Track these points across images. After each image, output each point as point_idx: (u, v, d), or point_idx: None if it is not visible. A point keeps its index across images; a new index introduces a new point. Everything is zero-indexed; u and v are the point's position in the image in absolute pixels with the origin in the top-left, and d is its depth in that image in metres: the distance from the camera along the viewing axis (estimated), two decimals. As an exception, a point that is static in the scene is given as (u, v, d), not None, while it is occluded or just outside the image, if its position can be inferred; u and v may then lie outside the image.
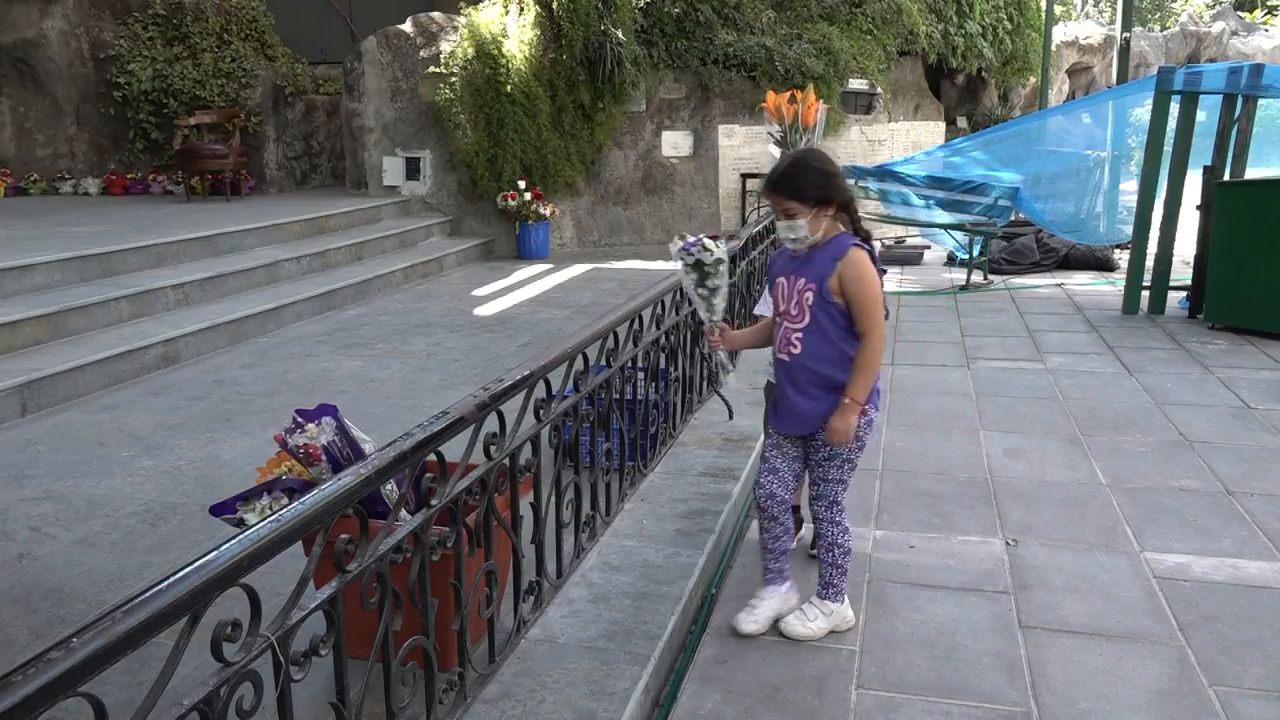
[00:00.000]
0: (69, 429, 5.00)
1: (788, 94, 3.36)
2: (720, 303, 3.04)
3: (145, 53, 11.71)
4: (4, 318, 5.76)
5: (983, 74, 15.42)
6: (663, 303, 3.99)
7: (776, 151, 3.42)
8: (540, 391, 2.82)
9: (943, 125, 14.67)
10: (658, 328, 3.95)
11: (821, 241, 2.77)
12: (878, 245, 11.37)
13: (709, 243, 2.96)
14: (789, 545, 3.03)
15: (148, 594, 1.41)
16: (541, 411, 2.82)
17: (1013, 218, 9.91)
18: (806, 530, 3.66)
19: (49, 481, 4.27)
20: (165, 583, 1.44)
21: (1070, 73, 21.02)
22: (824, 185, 2.71)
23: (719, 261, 2.98)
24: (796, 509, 3.66)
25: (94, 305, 6.34)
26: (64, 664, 1.24)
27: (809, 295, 2.76)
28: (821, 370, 2.79)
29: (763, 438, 3.61)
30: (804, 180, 2.71)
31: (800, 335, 2.79)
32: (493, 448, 2.51)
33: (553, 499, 2.96)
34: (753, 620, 2.98)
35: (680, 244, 2.96)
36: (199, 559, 1.52)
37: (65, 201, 10.95)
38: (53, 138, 11.83)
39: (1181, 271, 8.21)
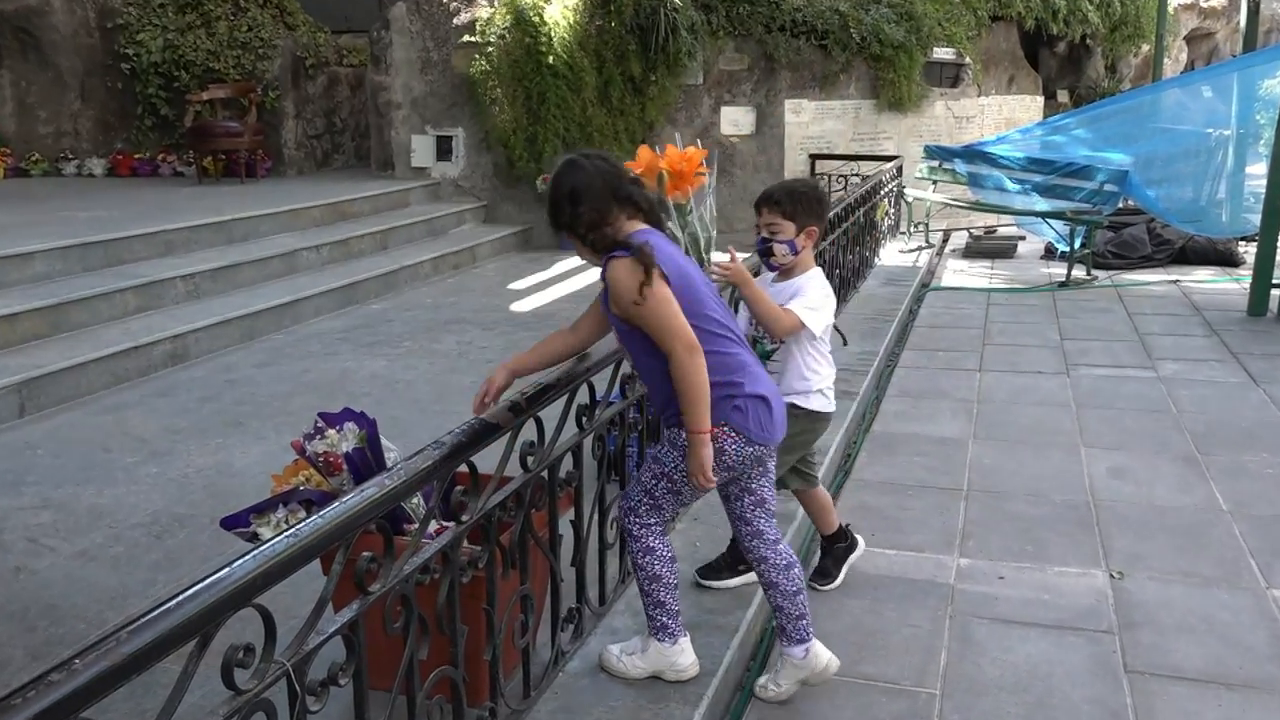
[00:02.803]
0: (70, 432, 5.13)
1: (663, 156, 3.15)
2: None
3: (155, 21, 11.98)
4: (1, 310, 5.92)
5: (1087, 41, 15.17)
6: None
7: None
8: (583, 396, 2.83)
9: (1041, 100, 14.45)
10: (715, 327, 3.95)
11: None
12: (964, 235, 11.30)
13: None
14: (778, 600, 2.83)
15: (154, 613, 1.44)
16: (584, 419, 2.83)
17: (1121, 205, 9.75)
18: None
19: (48, 489, 4.38)
20: (173, 601, 1.47)
21: (1189, 40, 20.60)
22: (556, 216, 2.59)
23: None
24: (841, 533, 3.62)
25: (97, 297, 6.50)
26: (65, 687, 1.27)
27: (614, 334, 2.65)
28: (670, 407, 2.62)
29: (830, 454, 3.60)
30: (556, 214, 2.60)
31: (639, 376, 2.69)
32: (530, 458, 2.52)
33: (595, 517, 2.97)
34: (774, 689, 2.90)
35: None
36: (209, 576, 1.55)
37: (68, 183, 11.24)
38: (56, 114, 12.15)
39: (1318, 267, 8.01)
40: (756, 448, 2.67)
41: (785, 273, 3.27)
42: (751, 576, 3.35)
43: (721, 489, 2.78)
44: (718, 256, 3.19)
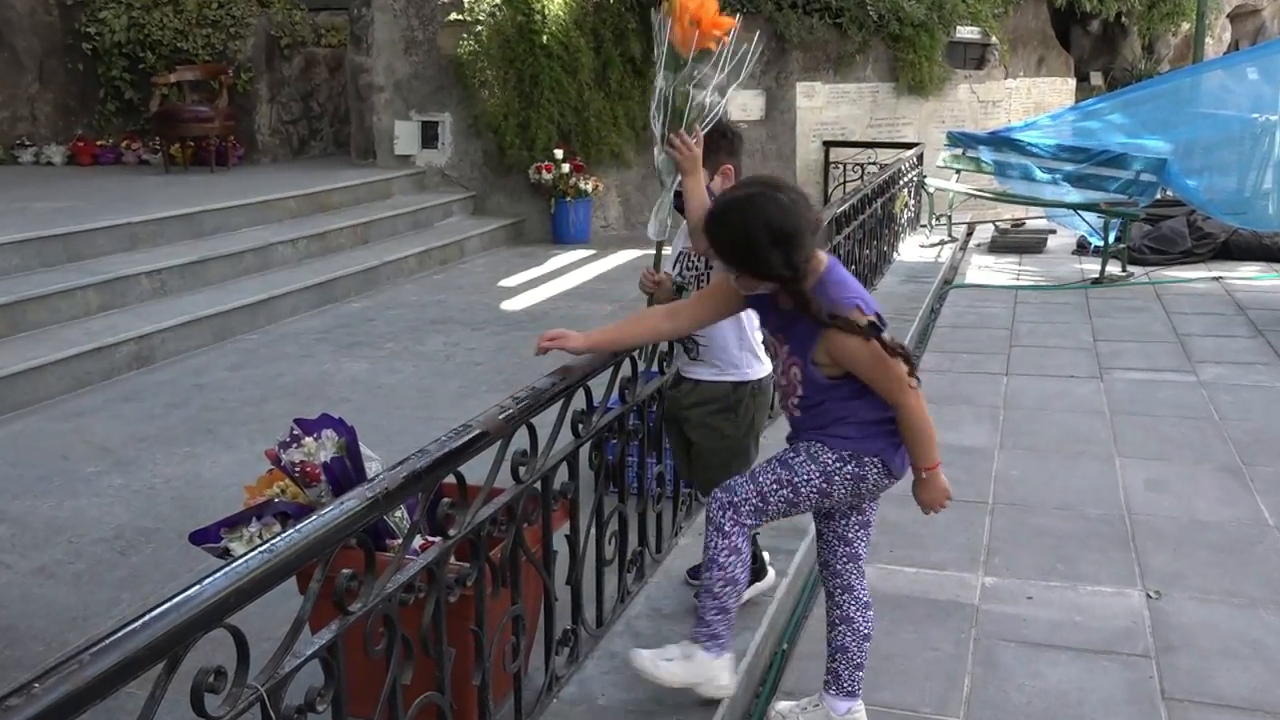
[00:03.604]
0: (27, 439, 5.14)
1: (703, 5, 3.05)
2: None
3: (119, -3, 12.00)
4: (-46, 308, 5.94)
5: (1123, 19, 15.18)
6: (727, 297, 3.99)
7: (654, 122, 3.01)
8: (579, 402, 2.83)
9: (1073, 82, 14.46)
10: (721, 327, 3.95)
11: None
12: (989, 229, 11.30)
13: None
14: (845, 639, 2.80)
15: (119, 634, 1.44)
16: (580, 426, 2.83)
17: (1159, 196, 9.75)
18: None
19: (4, 501, 4.39)
20: (139, 622, 1.48)
21: (1233, 18, 20.61)
22: (746, 260, 2.53)
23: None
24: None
25: (57, 295, 6.51)
26: (24, 713, 1.28)
27: (796, 370, 2.63)
28: (836, 435, 2.64)
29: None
30: (725, 246, 2.55)
31: (797, 405, 2.68)
32: (522, 469, 2.52)
33: (593, 531, 2.98)
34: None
35: None
36: (177, 595, 1.55)
37: (26, 172, 11.25)
38: (12, 98, 12.16)
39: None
40: (892, 481, 2.70)
41: None
42: (760, 587, 3.34)
43: (827, 509, 2.77)
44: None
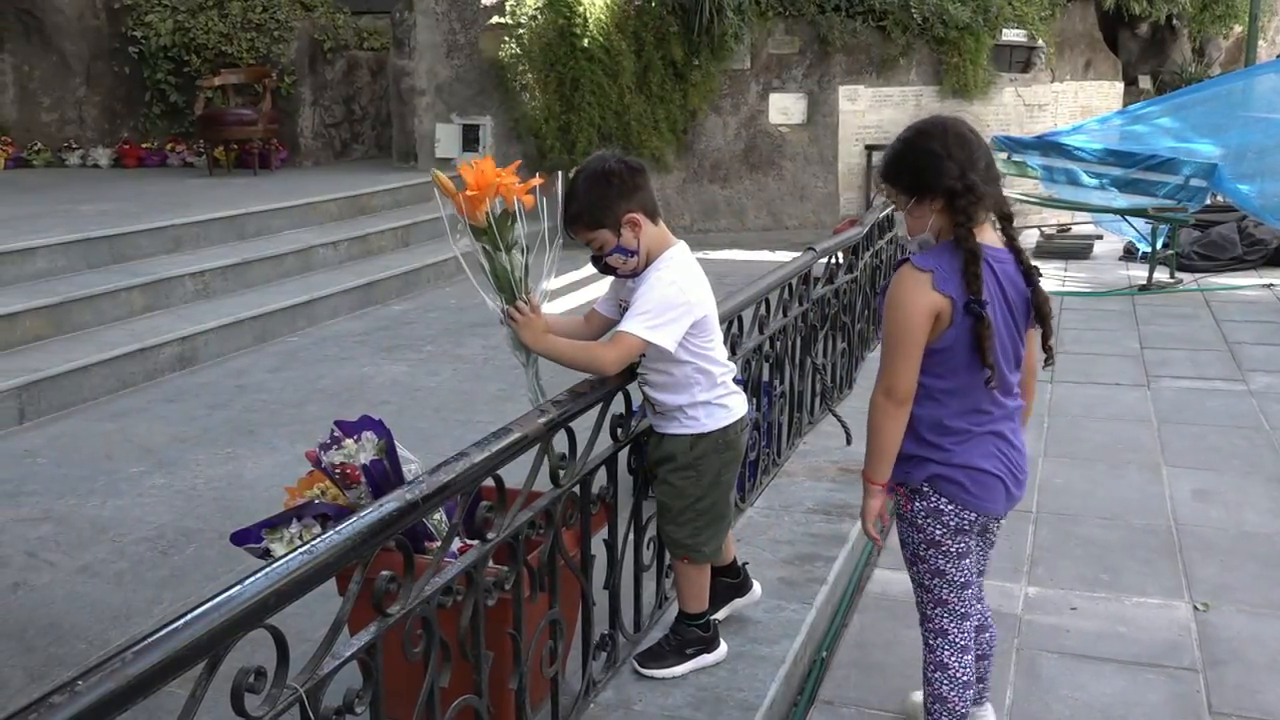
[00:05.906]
0: (71, 439, 5.22)
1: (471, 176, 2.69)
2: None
3: (165, 1, 12.16)
4: (0, 309, 6.03)
5: (1173, 22, 15.01)
6: (768, 301, 3.99)
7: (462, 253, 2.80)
8: (618, 406, 2.84)
9: (1120, 86, 14.31)
10: (761, 332, 3.95)
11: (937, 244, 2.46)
12: (1034, 234, 11.21)
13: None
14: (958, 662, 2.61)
15: (161, 634, 1.47)
16: (619, 430, 2.84)
17: (1209, 201, 9.63)
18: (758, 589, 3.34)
19: (48, 500, 4.46)
20: (181, 621, 1.50)
21: (1286, 19, 20.30)
22: (920, 172, 2.41)
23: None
24: (731, 567, 3.23)
25: (102, 296, 6.61)
26: (67, 710, 1.30)
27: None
28: (896, 479, 2.55)
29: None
30: (900, 165, 2.46)
31: None
32: (561, 473, 2.54)
33: (631, 536, 2.98)
34: None
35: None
36: (218, 595, 1.57)
37: (72, 175, 11.44)
38: (59, 101, 12.36)
39: None
40: (968, 507, 2.52)
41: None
42: (741, 603, 3.24)
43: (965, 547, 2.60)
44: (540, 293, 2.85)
